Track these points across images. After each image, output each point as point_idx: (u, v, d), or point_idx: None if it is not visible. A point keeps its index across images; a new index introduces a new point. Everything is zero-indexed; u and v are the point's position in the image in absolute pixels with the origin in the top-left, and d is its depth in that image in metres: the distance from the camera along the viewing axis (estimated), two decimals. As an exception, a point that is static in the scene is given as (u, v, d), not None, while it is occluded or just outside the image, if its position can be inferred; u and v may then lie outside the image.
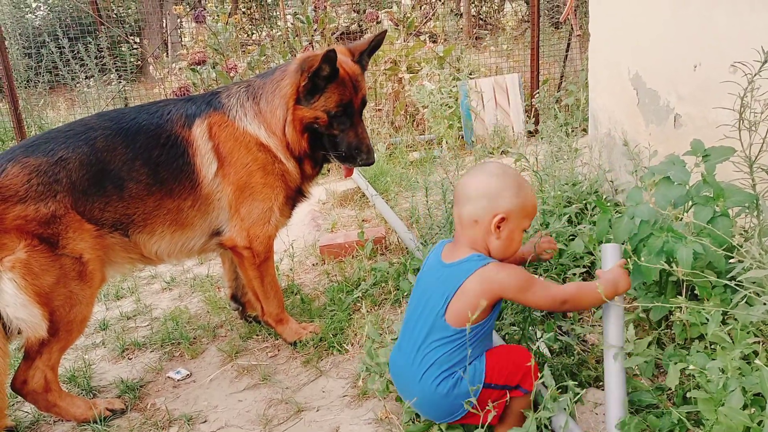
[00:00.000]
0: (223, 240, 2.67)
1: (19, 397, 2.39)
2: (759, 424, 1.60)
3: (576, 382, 2.10)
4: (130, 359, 2.92)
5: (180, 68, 7.58)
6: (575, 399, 1.87)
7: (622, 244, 2.04)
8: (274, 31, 7.26)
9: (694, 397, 1.74)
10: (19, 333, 2.26)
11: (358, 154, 2.64)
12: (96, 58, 8.38)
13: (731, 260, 1.76)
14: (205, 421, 2.36)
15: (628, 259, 2.01)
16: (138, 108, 2.63)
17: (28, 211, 2.23)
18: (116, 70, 8.73)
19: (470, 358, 1.82)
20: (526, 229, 1.95)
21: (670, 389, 2.01)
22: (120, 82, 8.44)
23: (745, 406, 1.66)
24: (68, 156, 2.34)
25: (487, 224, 1.88)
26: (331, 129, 2.59)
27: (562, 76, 7.01)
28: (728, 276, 1.98)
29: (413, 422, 2.06)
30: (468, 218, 1.91)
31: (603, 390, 2.06)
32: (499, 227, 1.88)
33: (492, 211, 1.87)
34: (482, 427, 1.76)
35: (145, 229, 2.52)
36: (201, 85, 6.13)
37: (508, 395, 1.78)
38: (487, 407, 1.76)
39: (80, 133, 2.42)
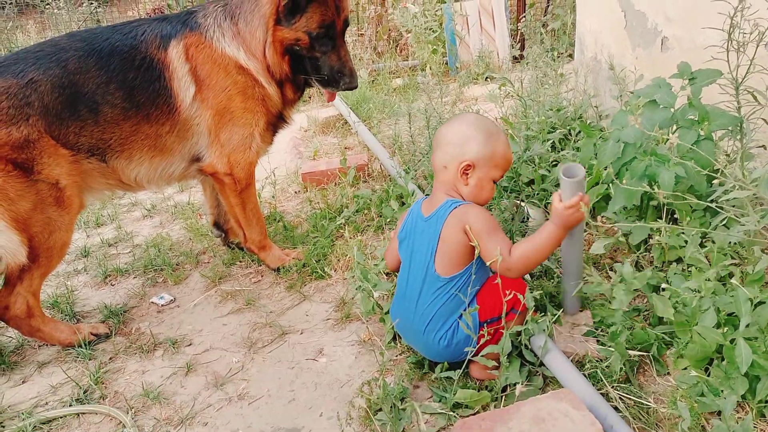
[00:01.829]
0: (203, 166, 2.62)
1: (2, 323, 2.39)
2: (731, 342, 1.65)
3: (554, 305, 2.15)
4: (113, 285, 2.92)
5: (154, -11, 7.30)
6: (553, 320, 1.91)
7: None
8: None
9: (670, 318, 1.78)
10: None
11: (340, 78, 2.57)
12: (66, -22, 8.01)
13: (713, 183, 1.77)
14: (190, 344, 2.39)
15: (610, 184, 2.02)
16: (111, 28, 2.52)
17: (0, 135, 2.16)
18: (88, -8, 8.37)
19: (462, 310, 1.87)
20: (496, 180, 1.96)
21: (646, 310, 2.06)
22: (92, 4, 8.10)
23: (718, 326, 1.71)
24: (39, 78, 2.25)
25: (454, 170, 1.92)
26: (313, 51, 2.51)
27: (548, 0, 6.84)
28: (709, 199, 2.00)
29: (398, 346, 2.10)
30: (439, 163, 1.96)
31: (581, 311, 2.11)
32: (466, 173, 1.91)
33: (459, 158, 1.90)
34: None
35: (123, 154, 2.46)
36: (176, 7, 5.92)
37: (503, 322, 1.80)
38: (482, 336, 1.80)
39: (51, 54, 2.32)
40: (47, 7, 8.01)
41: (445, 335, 1.87)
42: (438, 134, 2.00)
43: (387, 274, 2.49)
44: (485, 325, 1.85)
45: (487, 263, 1.82)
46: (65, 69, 2.30)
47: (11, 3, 8.67)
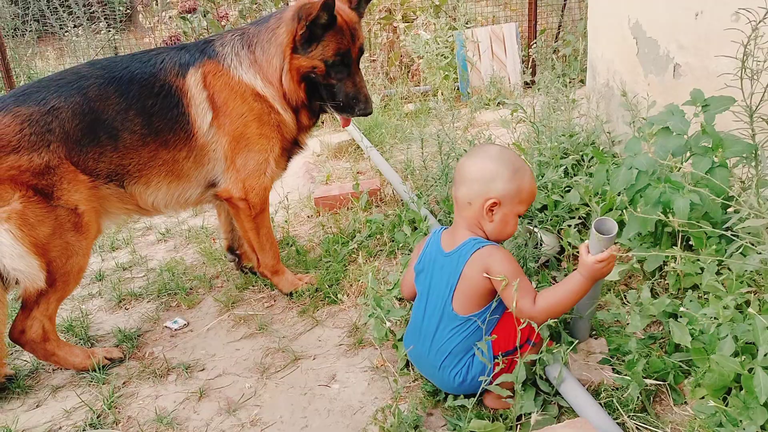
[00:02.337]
0: (219, 191, 2.65)
1: (17, 346, 2.41)
2: (749, 371, 1.63)
3: (569, 333, 2.14)
4: (127, 309, 2.94)
5: (170, 17, 7.41)
6: (569, 349, 1.90)
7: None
8: (266, -22, 7.06)
9: (686, 345, 1.77)
10: (16, 283, 2.26)
11: (356, 104, 2.60)
12: (84, 6, 8.17)
13: (728, 210, 1.76)
14: (203, 369, 2.39)
15: (624, 211, 2.01)
16: (130, 56, 2.58)
17: (22, 162, 2.19)
18: (105, 19, 8.53)
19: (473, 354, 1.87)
20: (521, 214, 1.94)
21: (662, 338, 2.04)
22: (109, 31, 8.26)
23: (736, 354, 1.69)
24: (60, 105, 2.29)
25: (479, 207, 1.88)
26: (329, 78, 2.55)
27: (560, 26, 6.89)
28: (724, 227, 1.99)
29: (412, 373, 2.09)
30: (462, 200, 1.92)
31: (596, 339, 2.10)
32: (491, 210, 1.88)
33: (484, 195, 1.87)
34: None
35: (141, 180, 2.49)
36: (192, 34, 6.02)
37: (518, 354, 1.79)
38: (497, 365, 1.79)
39: (72, 82, 2.37)
40: (66, 34, 8.16)
41: (460, 372, 1.86)
42: (461, 169, 1.94)
43: (400, 299, 2.48)
44: (501, 356, 1.83)
45: (511, 309, 1.79)
46: (86, 96, 2.34)
47: (31, 30, 8.85)
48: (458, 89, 6.07)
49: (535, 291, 1.81)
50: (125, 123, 2.39)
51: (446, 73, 5.87)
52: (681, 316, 1.81)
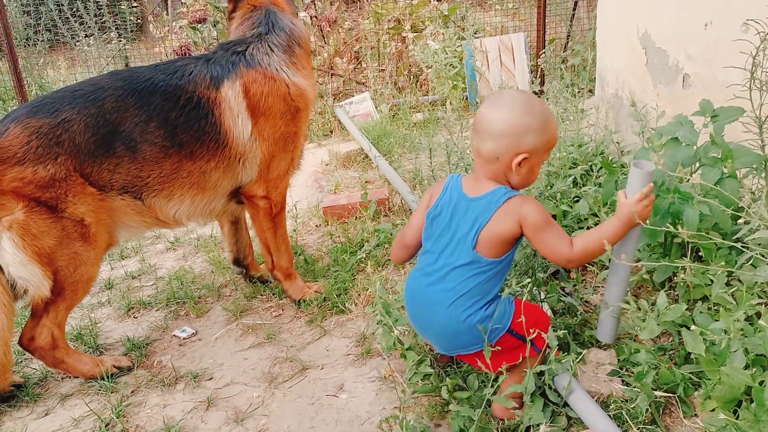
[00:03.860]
0: (243, 191, 2.67)
1: (27, 353, 2.42)
2: (760, 384, 1.61)
3: (578, 342, 2.13)
4: (136, 318, 2.95)
5: (180, 27, 7.47)
6: (578, 359, 1.89)
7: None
8: (275, -12, 7.11)
9: (697, 357, 1.75)
10: (25, 292, 2.27)
11: None
12: (95, 16, 8.25)
13: (738, 221, 1.76)
14: (211, 378, 2.39)
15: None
16: (153, 67, 2.55)
17: (26, 174, 2.19)
18: (116, 29, 8.61)
19: (495, 293, 1.84)
20: (544, 161, 1.91)
21: (672, 349, 2.03)
22: (120, 41, 8.33)
23: (747, 367, 1.68)
24: (73, 117, 2.28)
25: (507, 162, 1.81)
26: None
27: (568, 36, 6.90)
28: (734, 238, 1.98)
29: (420, 382, 2.08)
30: (489, 155, 1.83)
31: (605, 350, 2.08)
32: (520, 165, 1.81)
33: (514, 150, 1.79)
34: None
35: (162, 192, 2.47)
36: (201, 44, 6.06)
37: (528, 346, 1.77)
38: (496, 348, 1.79)
39: (89, 94, 2.35)
40: (77, 43, 8.24)
41: (473, 314, 1.80)
42: (486, 122, 1.82)
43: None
44: (511, 334, 1.82)
45: (548, 255, 1.80)
46: (101, 108, 2.33)
47: (43, 40, 8.94)
48: (467, 99, 6.08)
49: (569, 236, 1.82)
50: (145, 135, 2.37)
51: (455, 82, 5.88)
52: (693, 327, 1.80)
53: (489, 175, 1.86)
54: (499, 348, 1.81)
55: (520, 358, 1.81)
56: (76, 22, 8.27)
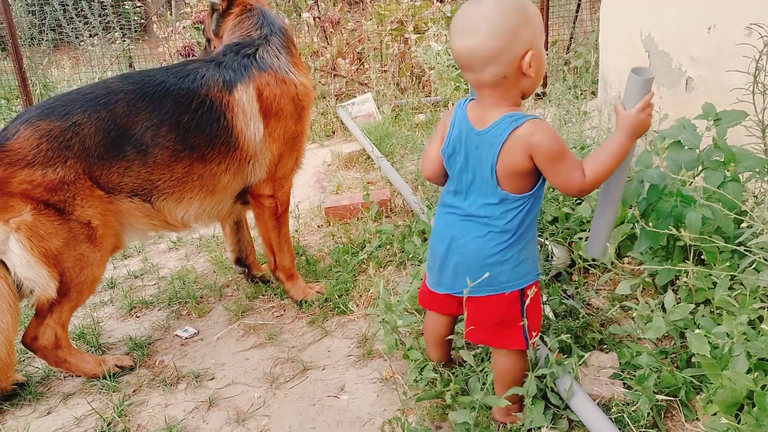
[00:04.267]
0: (250, 190, 2.68)
1: (30, 352, 2.43)
2: (762, 388, 1.61)
3: (580, 345, 2.13)
4: (138, 317, 2.95)
5: (184, 27, 7.49)
6: (579, 362, 1.89)
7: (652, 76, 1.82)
8: (279, -11, 7.13)
9: (699, 361, 1.75)
10: (31, 292, 2.28)
11: None
12: (99, 16, 8.27)
13: (741, 225, 1.76)
14: (213, 378, 2.39)
15: (635, 224, 2.00)
16: (164, 70, 2.54)
17: (35, 176, 2.19)
18: (120, 29, 8.63)
19: (529, 231, 1.76)
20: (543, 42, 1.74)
21: (674, 353, 2.03)
22: (124, 41, 8.35)
23: (749, 371, 1.68)
24: (83, 121, 2.28)
25: (517, 72, 1.64)
26: None
27: (571, 38, 6.90)
28: (736, 242, 1.98)
29: (422, 386, 2.09)
30: (493, 79, 1.65)
31: (607, 353, 2.08)
32: (530, 64, 1.63)
33: (519, 56, 1.61)
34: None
35: (172, 195, 2.48)
36: (211, 45, 6.06)
37: (525, 322, 1.73)
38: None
39: (100, 97, 2.35)
40: (81, 43, 8.26)
41: (508, 247, 1.71)
42: (469, 51, 1.64)
43: (410, 312, 2.48)
44: (521, 300, 1.76)
45: (559, 186, 1.68)
46: (113, 112, 2.32)
47: (47, 39, 8.96)
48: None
49: (581, 162, 1.69)
50: (156, 138, 2.38)
51: (457, 84, 5.88)
52: (696, 329, 1.80)
53: (498, 99, 1.70)
54: (498, 310, 1.76)
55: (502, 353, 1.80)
56: (80, 21, 8.29)
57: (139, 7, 10.18)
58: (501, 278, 1.74)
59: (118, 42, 8.33)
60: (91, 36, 8.29)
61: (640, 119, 1.64)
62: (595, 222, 1.88)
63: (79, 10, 8.40)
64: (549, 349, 1.87)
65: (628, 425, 1.77)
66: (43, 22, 9.24)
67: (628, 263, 2.49)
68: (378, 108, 5.92)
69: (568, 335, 1.96)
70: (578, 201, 2.86)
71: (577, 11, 6.95)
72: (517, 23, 1.59)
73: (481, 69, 1.65)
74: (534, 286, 1.78)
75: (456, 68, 5.89)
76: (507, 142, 1.64)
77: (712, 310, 2.00)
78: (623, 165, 1.74)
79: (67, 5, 8.27)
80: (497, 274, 1.74)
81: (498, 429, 1.88)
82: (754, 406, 1.63)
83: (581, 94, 3.75)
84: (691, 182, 1.89)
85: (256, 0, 2.79)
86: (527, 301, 1.75)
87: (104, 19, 8.47)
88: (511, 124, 1.64)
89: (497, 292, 1.76)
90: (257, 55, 2.60)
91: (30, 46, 8.50)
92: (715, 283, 1.92)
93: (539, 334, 1.83)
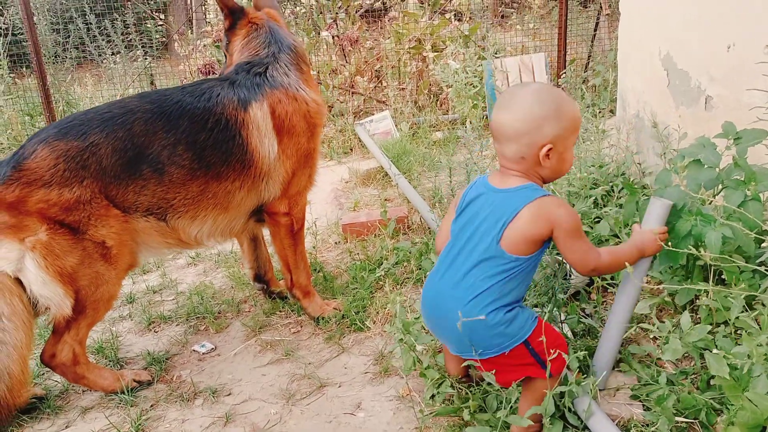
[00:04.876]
0: (266, 207, 2.71)
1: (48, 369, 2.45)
2: (785, 410, 1.59)
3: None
4: (156, 332, 2.97)
5: (204, 45, 7.60)
6: (597, 381, 1.87)
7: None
8: (298, 8, 7.23)
9: (725, 377, 1.73)
10: (47, 310, 2.30)
11: None
12: (122, 34, 8.43)
13: (761, 245, 1.74)
14: (230, 394, 2.40)
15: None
16: (180, 89, 2.58)
17: (51, 196, 2.22)
18: (142, 47, 8.77)
19: (518, 297, 1.80)
20: (574, 144, 1.85)
21: (694, 374, 2.00)
22: (146, 59, 8.49)
23: (770, 392, 1.65)
24: (101, 141, 2.31)
25: (534, 158, 1.78)
26: None
27: (589, 56, 6.90)
28: (757, 261, 1.96)
29: (438, 403, 2.08)
30: (513, 156, 1.81)
31: (626, 373, 2.06)
32: (548, 156, 1.78)
33: (537, 145, 1.76)
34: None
35: (187, 213, 2.50)
36: (224, 62, 6.14)
37: (547, 366, 1.74)
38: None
39: (117, 116, 2.37)
40: (104, 61, 8.41)
41: (495, 312, 1.74)
42: (501, 127, 1.81)
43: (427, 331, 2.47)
44: (527, 348, 1.78)
45: (576, 262, 1.79)
46: (130, 131, 2.35)
47: (71, 57, 9.13)
48: (487, 118, 6.08)
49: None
50: (173, 157, 2.40)
51: (475, 102, 5.89)
52: (715, 350, 1.77)
53: (518, 173, 1.83)
54: (512, 360, 1.78)
55: (530, 378, 1.79)
56: (103, 40, 8.44)
57: (160, 25, 10.36)
58: (496, 341, 1.77)
59: (139, 60, 8.47)
60: (113, 54, 8.43)
61: (651, 241, 1.83)
62: (605, 332, 2.01)
63: (102, 28, 8.56)
64: (568, 368, 1.85)
65: (648, 447, 1.74)
66: (67, 40, 9.43)
67: (647, 282, 2.47)
68: (396, 125, 5.95)
69: (586, 354, 1.95)
70: (597, 219, 2.84)
71: (595, 30, 6.96)
72: (545, 115, 1.75)
73: (504, 142, 1.81)
74: (541, 332, 1.78)
75: (474, 86, 5.92)
76: (532, 205, 1.75)
77: (731, 330, 1.97)
78: (636, 277, 1.90)
79: (90, 24, 8.43)
80: (490, 338, 1.77)
81: (515, 449, 1.86)
82: (776, 429, 1.61)
83: (599, 112, 3.74)
84: (711, 201, 1.87)
85: (268, 17, 2.82)
86: (536, 349, 1.78)
87: (126, 38, 8.62)
88: (537, 191, 1.78)
89: (498, 353, 1.78)
90: (268, 74, 2.64)
91: (54, 63, 8.66)
92: (735, 304, 1.89)
93: (566, 350, 1.83)
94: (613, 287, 2.54)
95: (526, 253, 1.76)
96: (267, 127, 2.55)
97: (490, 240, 1.76)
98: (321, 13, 6.99)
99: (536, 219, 1.74)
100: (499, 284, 1.76)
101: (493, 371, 1.81)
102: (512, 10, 10.94)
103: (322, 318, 2.80)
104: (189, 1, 13.19)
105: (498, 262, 1.76)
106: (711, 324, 2.09)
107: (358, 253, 3.42)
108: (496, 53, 6.57)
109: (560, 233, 1.75)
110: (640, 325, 2.00)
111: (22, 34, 7.70)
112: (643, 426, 1.81)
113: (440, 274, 1.88)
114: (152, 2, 12.55)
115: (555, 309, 2.30)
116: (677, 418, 1.78)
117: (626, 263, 1.79)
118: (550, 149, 1.76)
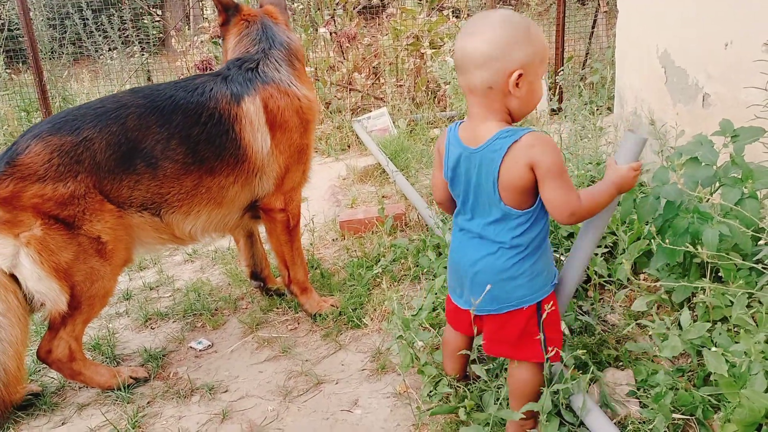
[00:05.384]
0: (261, 204, 2.70)
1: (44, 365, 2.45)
2: (781, 407, 1.59)
3: (596, 362, 2.11)
4: (153, 329, 2.97)
5: (201, 41, 7.58)
6: (595, 379, 1.88)
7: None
8: (296, 5, 7.21)
9: (716, 380, 1.73)
10: (42, 305, 2.29)
11: None
12: (119, 30, 8.40)
13: (758, 243, 1.74)
14: (226, 391, 2.40)
15: (652, 240, 1.99)
16: (173, 84, 2.57)
17: (46, 191, 2.21)
18: (139, 43, 8.75)
19: (541, 240, 1.76)
20: (541, 75, 1.74)
21: (691, 371, 2.01)
22: (143, 55, 8.46)
23: (767, 389, 1.65)
24: (94, 136, 2.30)
25: (503, 86, 1.65)
26: None
27: (587, 54, 6.90)
28: (754, 259, 1.96)
29: (436, 401, 2.08)
30: (480, 87, 1.67)
31: (623, 370, 2.06)
32: (517, 85, 1.64)
33: (506, 70, 1.63)
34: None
35: (181, 208, 2.50)
36: (222, 59, 6.13)
37: (542, 338, 1.72)
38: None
39: (111, 111, 2.37)
40: (101, 57, 8.38)
41: (520, 261, 1.72)
42: (467, 52, 1.67)
43: (426, 328, 2.47)
44: (537, 314, 1.76)
45: (554, 203, 1.66)
46: (123, 126, 2.35)
47: (67, 53, 9.10)
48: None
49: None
50: (166, 152, 2.40)
51: (472, 99, 5.89)
52: (713, 348, 1.78)
53: (485, 112, 1.71)
54: (519, 323, 1.76)
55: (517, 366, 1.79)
56: (100, 35, 8.42)
57: (157, 21, 10.33)
58: (517, 293, 1.75)
59: (136, 56, 8.45)
60: (110, 50, 8.41)
61: (627, 176, 1.70)
62: (569, 261, 1.93)
63: (99, 24, 8.53)
64: (564, 365, 1.86)
65: (645, 444, 1.74)
66: (64, 36, 9.39)
67: (644, 280, 2.47)
68: (393, 122, 5.94)
69: (584, 351, 1.95)
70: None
71: (593, 27, 6.95)
72: (515, 38, 1.62)
73: (471, 70, 1.67)
74: (551, 299, 1.78)
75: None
76: (507, 156, 1.64)
77: (729, 328, 1.98)
78: (604, 213, 1.80)
79: (87, 19, 8.40)
80: (513, 289, 1.75)
81: (512, 446, 1.86)
82: (773, 426, 1.61)
83: (597, 109, 3.74)
84: (708, 199, 1.87)
85: (264, 14, 2.82)
86: (544, 315, 1.75)
87: (123, 33, 8.60)
88: (509, 137, 1.64)
89: (515, 307, 1.76)
90: (259, 69, 2.64)
91: (50, 59, 8.63)
92: (732, 301, 1.90)
93: (560, 349, 1.81)
94: (610, 284, 2.55)
95: (529, 204, 1.70)
96: (260, 122, 2.54)
97: (494, 203, 1.71)
98: (318, 9, 6.97)
99: (515, 167, 1.64)
100: (521, 236, 1.71)
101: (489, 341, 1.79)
102: (510, 6, 10.93)
103: (320, 315, 2.80)
104: (186, -3, 13.15)
105: (510, 220, 1.71)
106: (708, 321, 2.10)
107: (355, 250, 3.41)
108: (493, 50, 6.54)
109: (539, 173, 1.64)
110: (638, 322, 2.00)
111: (18, 29, 7.66)
112: (639, 423, 1.82)
113: (462, 235, 1.84)
114: (149, -2, 12.50)
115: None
116: (674, 415, 1.78)
117: (603, 202, 1.70)
118: (520, 75, 1.63)
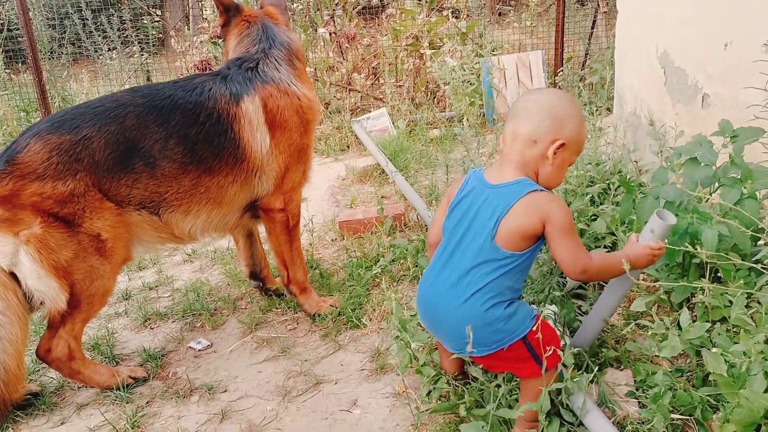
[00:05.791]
0: (261, 204, 2.70)
1: (44, 364, 2.45)
2: (780, 407, 1.59)
3: (596, 362, 2.11)
4: (152, 329, 2.97)
5: (201, 41, 7.58)
6: (594, 379, 1.87)
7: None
8: (295, 5, 7.21)
9: (715, 380, 1.73)
10: (42, 304, 2.29)
11: None
12: (118, 30, 8.40)
13: (758, 243, 1.74)
14: (225, 391, 2.40)
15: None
16: (172, 84, 2.57)
17: (45, 189, 2.21)
18: (138, 43, 8.75)
19: (515, 292, 1.80)
20: (572, 164, 1.89)
21: (690, 371, 2.01)
22: (142, 55, 8.46)
23: (767, 390, 1.65)
24: (93, 134, 2.30)
25: (545, 147, 1.78)
26: None
27: (586, 54, 6.90)
28: (753, 259, 1.96)
29: (434, 399, 2.08)
30: (527, 136, 1.80)
31: (622, 370, 2.06)
32: (556, 153, 1.78)
33: (554, 134, 1.78)
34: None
35: (180, 208, 2.49)
36: (222, 59, 6.12)
37: (543, 363, 1.72)
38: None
39: (110, 110, 2.37)
40: (100, 57, 8.38)
41: (495, 308, 1.74)
42: (529, 103, 1.83)
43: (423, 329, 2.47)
44: (525, 345, 1.78)
45: (565, 260, 1.74)
46: (122, 125, 2.35)
47: (67, 53, 9.10)
48: (484, 116, 6.09)
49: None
50: (165, 151, 2.39)
51: (472, 99, 5.89)
52: (713, 348, 1.78)
53: (519, 161, 1.81)
54: (509, 355, 1.78)
55: (527, 374, 1.80)
56: (99, 36, 8.42)
57: (157, 21, 10.33)
58: (495, 337, 1.77)
59: (136, 56, 8.44)
60: (109, 50, 8.41)
61: (642, 254, 1.78)
62: (590, 318, 2.02)
63: (98, 24, 8.53)
64: (563, 365, 1.86)
65: (644, 444, 1.74)
66: (63, 36, 9.39)
67: (643, 280, 2.47)
68: (393, 123, 5.94)
69: (583, 351, 1.95)
70: (593, 217, 2.84)
71: (592, 27, 6.95)
72: (573, 116, 1.79)
73: (524, 119, 1.81)
74: (537, 330, 1.77)
75: (471, 84, 5.91)
76: (523, 200, 1.74)
77: (728, 328, 1.98)
78: (622, 283, 1.91)
79: (86, 19, 8.40)
80: (491, 334, 1.77)
81: (511, 446, 1.86)
82: (772, 426, 1.61)
83: (596, 110, 3.74)
84: (708, 199, 1.87)
85: (264, 14, 2.82)
86: (533, 345, 1.77)
87: (123, 33, 8.60)
88: (531, 185, 1.76)
89: (496, 349, 1.78)
90: (259, 68, 2.64)
91: (50, 59, 8.62)
92: (731, 301, 1.90)
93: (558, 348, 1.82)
94: (610, 285, 2.54)
95: (521, 249, 1.76)
96: (259, 121, 2.54)
97: (485, 236, 1.76)
98: (318, 9, 6.97)
99: (528, 213, 1.73)
100: (496, 281, 1.76)
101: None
102: (509, 7, 10.94)
103: (319, 315, 2.80)
104: (186, -2, 13.14)
105: (494, 258, 1.76)
106: (707, 321, 2.10)
107: (354, 251, 3.41)
108: (493, 51, 6.56)
109: (551, 228, 1.73)
110: (636, 322, 2.00)
111: (17, 29, 7.66)
112: (638, 423, 1.82)
113: (435, 273, 1.87)
114: (149, -2, 12.50)
115: (551, 306, 2.30)
116: (673, 416, 1.78)
117: (616, 271, 1.78)
118: (562, 144, 1.78)
